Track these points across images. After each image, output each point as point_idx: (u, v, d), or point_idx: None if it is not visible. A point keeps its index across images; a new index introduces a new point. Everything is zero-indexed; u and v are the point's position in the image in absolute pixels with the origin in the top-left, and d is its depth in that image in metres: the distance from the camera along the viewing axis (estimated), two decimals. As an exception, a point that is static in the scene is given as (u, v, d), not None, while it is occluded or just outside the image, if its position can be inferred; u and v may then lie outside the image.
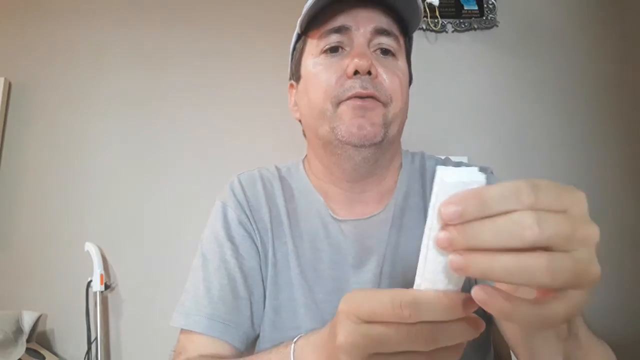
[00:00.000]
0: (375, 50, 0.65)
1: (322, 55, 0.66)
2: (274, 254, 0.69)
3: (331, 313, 0.62)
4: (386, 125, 0.63)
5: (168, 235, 1.73)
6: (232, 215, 0.70)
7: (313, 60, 0.67)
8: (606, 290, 1.34)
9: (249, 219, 0.70)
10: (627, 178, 1.28)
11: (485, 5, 1.31)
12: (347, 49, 0.65)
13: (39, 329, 1.65)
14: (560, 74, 1.31)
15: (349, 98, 0.62)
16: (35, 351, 1.56)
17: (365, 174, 0.68)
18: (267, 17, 1.85)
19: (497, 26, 1.31)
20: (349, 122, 0.62)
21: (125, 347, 1.70)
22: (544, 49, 1.32)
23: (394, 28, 0.66)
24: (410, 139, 1.22)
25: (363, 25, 0.64)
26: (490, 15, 1.31)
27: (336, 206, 0.71)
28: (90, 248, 1.70)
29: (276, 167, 0.79)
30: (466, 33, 1.31)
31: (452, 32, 1.31)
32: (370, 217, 0.70)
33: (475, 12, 1.32)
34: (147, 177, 1.82)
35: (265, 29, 1.84)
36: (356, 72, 0.62)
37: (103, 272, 1.68)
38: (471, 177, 0.31)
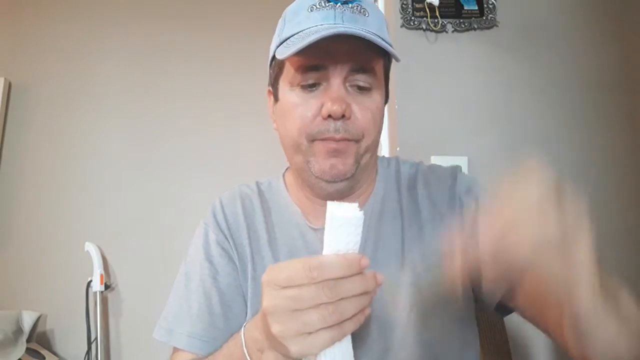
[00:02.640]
0: (352, 85, 0.66)
1: (299, 89, 0.67)
2: (254, 269, 0.72)
3: None
4: (357, 160, 0.66)
5: (168, 235, 1.73)
6: (212, 236, 0.75)
7: (289, 90, 0.68)
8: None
9: (226, 239, 0.75)
10: (630, 178, 1.28)
11: (485, 5, 1.31)
12: (324, 83, 0.65)
13: (39, 329, 1.65)
14: (560, 74, 1.31)
15: (323, 139, 0.64)
16: (35, 351, 1.56)
17: (341, 198, 0.70)
18: (269, 13, 1.85)
19: (497, 26, 1.31)
20: (322, 161, 0.65)
21: (125, 347, 1.71)
22: (544, 49, 1.32)
23: (372, 59, 0.67)
24: (411, 139, 1.22)
25: (341, 63, 0.64)
26: (491, 15, 1.31)
27: (313, 217, 0.73)
28: (90, 248, 1.70)
29: (257, 183, 0.82)
30: (466, 33, 1.31)
31: (452, 32, 1.31)
32: None
33: (476, 12, 1.31)
34: (147, 177, 1.82)
35: (268, 25, 1.84)
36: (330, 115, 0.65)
37: (103, 272, 1.68)
38: (353, 214, 0.45)
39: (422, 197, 0.73)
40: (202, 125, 1.85)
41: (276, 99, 0.72)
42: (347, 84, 0.65)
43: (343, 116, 0.63)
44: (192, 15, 1.94)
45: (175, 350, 0.70)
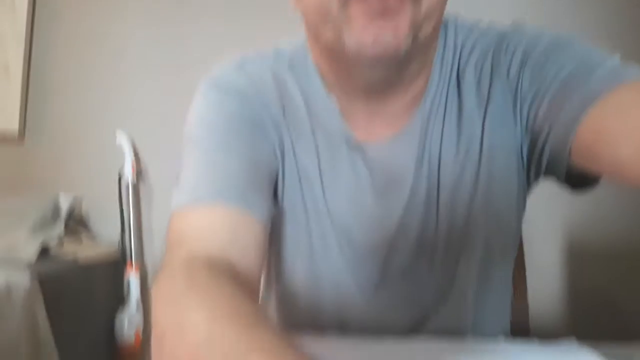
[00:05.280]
0: None
1: None
2: (286, 165, 0.59)
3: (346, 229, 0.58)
4: (416, 28, 0.45)
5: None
6: (235, 108, 0.57)
7: None
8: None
9: (257, 112, 0.58)
10: None
11: None
12: None
13: (75, 212, 1.71)
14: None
15: None
16: (73, 231, 1.63)
17: (386, 87, 0.54)
18: None
19: None
20: (361, 30, 0.44)
21: (157, 233, 1.76)
22: None
23: None
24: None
25: None
26: None
27: (352, 122, 0.58)
28: (122, 136, 1.70)
29: (282, 55, 0.62)
30: None
31: None
32: (394, 138, 0.57)
33: None
34: (178, 66, 1.77)
35: None
36: None
37: (134, 160, 1.70)
38: None
39: (468, 84, 0.56)
40: (234, 19, 1.76)
41: None
42: None
43: None
44: None
45: (184, 216, 0.50)
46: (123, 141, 1.70)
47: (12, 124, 1.82)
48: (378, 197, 0.58)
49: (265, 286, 0.71)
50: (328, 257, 0.60)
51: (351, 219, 0.59)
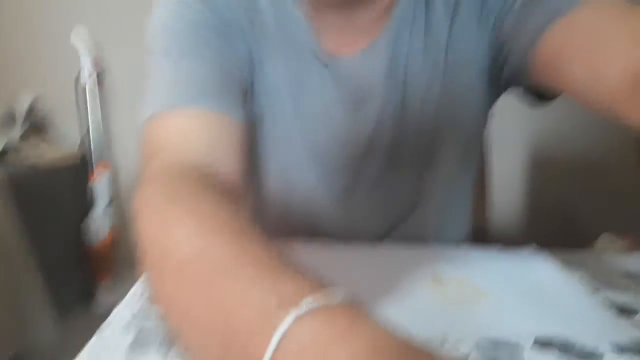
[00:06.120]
0: None
1: None
2: (257, 79, 0.57)
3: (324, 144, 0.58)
4: None
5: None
6: (198, 17, 0.53)
7: None
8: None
9: (223, 23, 0.55)
10: None
11: None
12: None
13: (35, 114, 1.63)
14: None
15: None
16: (32, 133, 1.56)
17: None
18: None
19: None
20: None
21: (121, 135, 1.72)
22: None
23: None
24: None
25: None
26: None
27: (321, 37, 0.56)
28: (78, 34, 1.59)
29: None
30: None
31: None
32: (364, 52, 0.56)
33: None
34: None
35: None
36: None
37: (96, 59, 1.60)
38: None
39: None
40: None
41: None
42: None
43: None
44: None
45: (158, 122, 0.47)
46: (79, 39, 1.58)
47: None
48: (348, 112, 0.58)
49: None
50: (299, 170, 0.60)
51: (322, 132, 0.59)
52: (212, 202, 0.35)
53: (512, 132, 1.52)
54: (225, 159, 0.46)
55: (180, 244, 0.30)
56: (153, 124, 0.47)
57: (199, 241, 0.30)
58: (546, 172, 1.57)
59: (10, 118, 1.47)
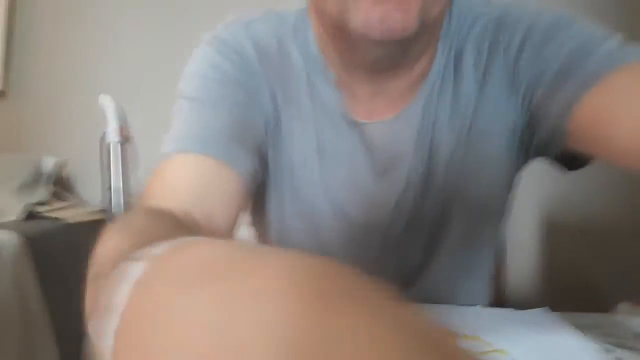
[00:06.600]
0: None
1: None
2: (279, 141, 0.58)
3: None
4: (425, 9, 0.43)
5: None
6: (229, 69, 0.55)
7: None
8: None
9: (253, 79, 0.56)
10: None
11: None
12: None
13: (60, 176, 1.68)
14: None
15: None
16: (58, 195, 1.61)
17: (390, 67, 0.53)
18: None
19: None
20: (368, 9, 0.42)
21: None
22: None
23: None
24: None
25: None
26: None
27: (352, 100, 0.56)
28: (105, 99, 1.67)
29: (286, 19, 0.58)
30: None
31: None
32: (396, 118, 0.56)
33: None
34: (164, 27, 1.74)
35: None
36: None
37: (118, 124, 1.67)
38: None
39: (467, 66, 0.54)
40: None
41: None
42: None
43: None
44: None
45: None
46: (106, 104, 1.67)
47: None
48: (377, 177, 0.58)
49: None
50: (320, 231, 0.61)
51: (349, 197, 0.59)
52: (153, 223, 0.34)
53: (525, 197, 1.52)
54: (212, 211, 0.45)
55: (104, 250, 0.30)
56: (158, 168, 0.48)
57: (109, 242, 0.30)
58: (561, 237, 1.56)
59: (37, 178, 1.53)
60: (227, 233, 0.45)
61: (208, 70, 0.54)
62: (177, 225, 0.35)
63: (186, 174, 0.46)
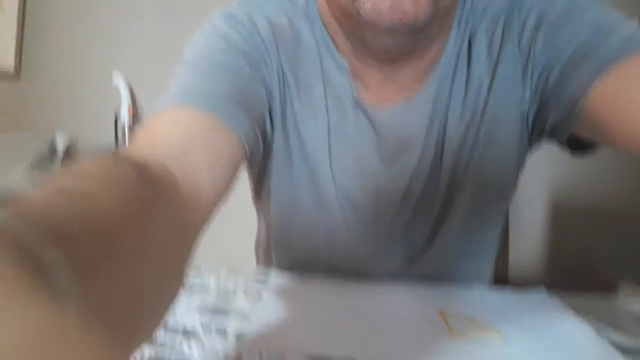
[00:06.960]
0: None
1: None
2: (286, 122, 0.57)
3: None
4: None
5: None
6: (239, 41, 0.52)
7: None
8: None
9: (263, 55, 0.54)
10: None
11: None
12: None
13: (71, 152, 1.71)
14: None
15: None
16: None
17: (401, 54, 0.51)
18: None
19: None
20: None
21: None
22: None
23: None
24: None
25: None
26: None
27: (363, 86, 0.55)
28: (118, 78, 1.69)
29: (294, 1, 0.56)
30: None
31: None
32: (406, 104, 0.55)
33: None
34: (180, 7, 1.73)
35: None
36: None
37: (131, 103, 1.69)
38: None
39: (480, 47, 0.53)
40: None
41: None
42: None
43: None
44: None
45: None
46: (119, 82, 1.69)
47: (7, 60, 1.80)
48: (385, 164, 0.58)
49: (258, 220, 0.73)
50: (327, 218, 0.61)
51: (356, 183, 0.59)
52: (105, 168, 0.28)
53: (531, 180, 1.52)
54: (199, 166, 0.39)
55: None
56: (150, 121, 0.43)
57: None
58: (565, 219, 1.56)
59: (51, 155, 1.55)
60: (211, 195, 0.40)
61: (215, 39, 0.52)
62: (138, 175, 0.29)
63: (172, 126, 0.41)
